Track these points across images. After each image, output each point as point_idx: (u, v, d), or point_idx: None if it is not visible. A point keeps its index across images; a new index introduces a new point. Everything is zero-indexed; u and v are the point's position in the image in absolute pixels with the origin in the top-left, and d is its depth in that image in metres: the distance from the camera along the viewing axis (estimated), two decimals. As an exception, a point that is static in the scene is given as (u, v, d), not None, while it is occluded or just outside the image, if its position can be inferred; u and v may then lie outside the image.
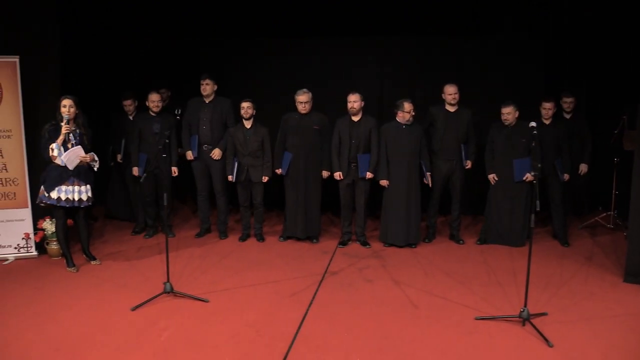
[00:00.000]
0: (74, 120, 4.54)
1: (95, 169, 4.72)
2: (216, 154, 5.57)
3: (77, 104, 4.53)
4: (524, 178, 5.30)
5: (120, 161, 5.95)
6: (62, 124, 4.47)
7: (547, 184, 5.51)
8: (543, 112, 5.44)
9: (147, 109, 5.60)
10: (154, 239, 5.72)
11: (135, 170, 5.60)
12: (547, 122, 5.45)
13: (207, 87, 5.54)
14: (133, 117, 5.80)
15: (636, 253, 4.49)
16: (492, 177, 5.50)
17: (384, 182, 5.36)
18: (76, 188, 4.57)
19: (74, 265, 4.74)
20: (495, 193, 5.51)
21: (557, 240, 5.63)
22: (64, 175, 4.52)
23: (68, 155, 4.48)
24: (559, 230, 5.62)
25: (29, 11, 4.96)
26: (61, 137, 4.46)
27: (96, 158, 4.70)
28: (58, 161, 4.48)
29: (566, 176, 5.50)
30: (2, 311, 3.87)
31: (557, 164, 5.43)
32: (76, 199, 4.58)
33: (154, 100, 5.54)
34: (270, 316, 3.82)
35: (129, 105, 5.80)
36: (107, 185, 6.34)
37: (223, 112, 5.61)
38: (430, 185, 5.46)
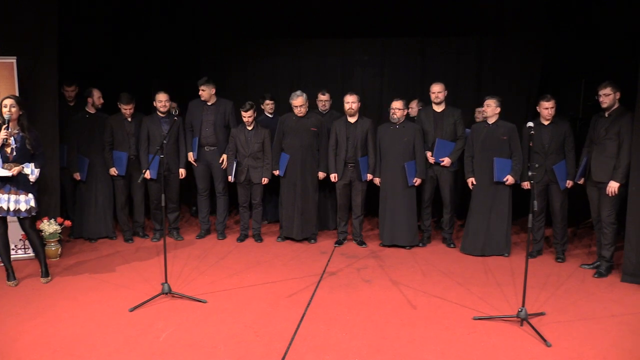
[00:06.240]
0: (18, 121, 4.18)
1: (32, 179, 4.26)
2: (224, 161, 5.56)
3: (21, 103, 4.19)
4: (504, 180, 5.03)
5: (115, 174, 5.45)
6: (3, 128, 4.09)
7: (548, 191, 5.05)
8: (543, 112, 4.90)
9: (155, 109, 5.50)
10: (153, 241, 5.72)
11: (147, 173, 5.29)
12: (546, 122, 4.93)
13: (204, 94, 5.51)
14: (132, 119, 5.48)
15: (633, 253, 4.51)
16: (470, 181, 5.23)
17: (376, 181, 5.40)
18: (12, 197, 4.21)
19: (14, 279, 4.39)
20: (474, 198, 5.21)
21: (554, 253, 5.16)
22: None
23: None
24: (556, 244, 5.13)
25: (27, 12, 4.94)
26: None
27: (28, 171, 4.24)
28: None
29: (569, 183, 4.95)
30: (-1, 312, 3.87)
31: (555, 170, 4.92)
32: (12, 208, 4.21)
33: (162, 100, 5.40)
34: (268, 317, 3.82)
35: (129, 109, 5.41)
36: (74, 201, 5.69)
37: (226, 114, 5.61)
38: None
